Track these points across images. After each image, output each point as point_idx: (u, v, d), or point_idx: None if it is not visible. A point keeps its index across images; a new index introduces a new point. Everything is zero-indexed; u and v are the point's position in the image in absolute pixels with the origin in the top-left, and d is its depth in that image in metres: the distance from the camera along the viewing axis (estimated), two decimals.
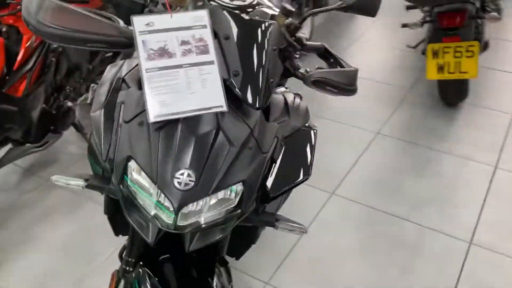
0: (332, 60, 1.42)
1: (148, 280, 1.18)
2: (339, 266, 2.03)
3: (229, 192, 1.04)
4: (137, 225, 1.06)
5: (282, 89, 1.41)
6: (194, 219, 1.02)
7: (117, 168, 1.05)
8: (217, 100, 1.04)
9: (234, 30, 1.13)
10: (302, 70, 1.28)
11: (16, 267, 2.04)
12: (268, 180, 1.12)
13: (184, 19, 1.06)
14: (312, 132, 1.29)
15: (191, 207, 1.00)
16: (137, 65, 1.19)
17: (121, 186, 1.05)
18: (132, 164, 1.03)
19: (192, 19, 1.07)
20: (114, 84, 1.19)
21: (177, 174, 0.98)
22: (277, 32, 1.19)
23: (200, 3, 1.31)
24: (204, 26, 1.07)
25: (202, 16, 1.07)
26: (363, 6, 1.30)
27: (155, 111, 1.01)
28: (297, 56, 1.30)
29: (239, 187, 1.04)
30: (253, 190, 1.06)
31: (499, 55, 3.67)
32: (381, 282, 1.95)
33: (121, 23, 1.09)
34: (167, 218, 1.00)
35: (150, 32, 1.04)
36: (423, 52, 2.78)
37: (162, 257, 1.23)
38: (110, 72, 1.26)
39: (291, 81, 1.37)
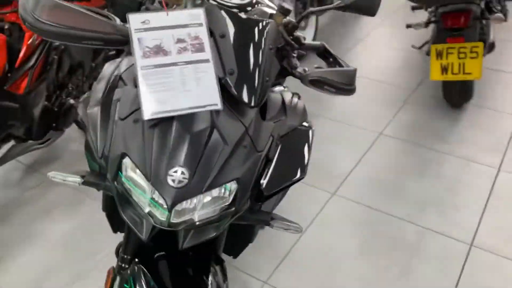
0: (331, 59, 1.42)
1: (143, 277, 1.18)
2: (338, 266, 2.02)
3: (223, 190, 1.04)
4: (131, 222, 1.07)
5: (280, 88, 1.41)
6: (187, 217, 1.02)
7: (112, 165, 1.05)
8: (212, 98, 1.04)
9: (230, 28, 1.13)
10: (299, 69, 1.27)
11: (17, 262, 2.06)
12: (263, 178, 1.12)
13: (180, 17, 1.06)
14: (309, 131, 1.28)
15: (185, 204, 1.01)
16: None
17: (115, 183, 1.06)
18: (126, 161, 1.04)
19: (188, 17, 1.07)
20: (111, 81, 1.20)
21: (171, 172, 0.98)
22: (273, 31, 1.19)
23: (198, 1, 1.31)
24: (200, 25, 1.07)
25: (198, 14, 1.07)
26: (362, 6, 1.30)
27: (150, 109, 1.01)
28: (295, 55, 1.29)
29: (233, 185, 1.04)
30: (247, 188, 1.06)
31: (504, 56, 3.65)
32: (380, 283, 1.95)
33: (118, 21, 1.10)
34: (161, 215, 1.00)
35: (146, 30, 1.04)
36: (428, 53, 2.77)
37: (157, 254, 1.23)
38: (108, 69, 1.27)
39: (292, 81, 1.36)
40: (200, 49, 1.06)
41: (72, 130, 2.69)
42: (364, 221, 2.24)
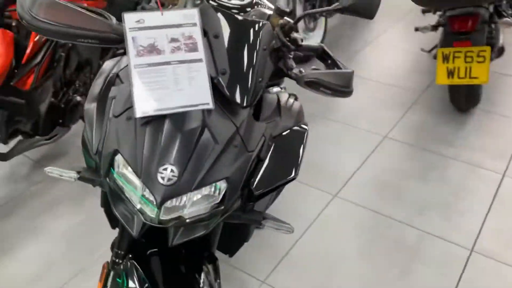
0: (329, 61, 1.42)
1: (135, 272, 1.20)
2: (337, 267, 2.02)
3: (212, 189, 1.05)
4: (123, 218, 1.08)
5: (277, 89, 1.42)
6: (177, 214, 1.04)
7: (104, 162, 1.07)
8: (203, 98, 1.06)
9: (225, 29, 1.14)
10: (295, 71, 1.28)
11: (20, 255, 2.09)
12: (254, 178, 1.13)
13: (175, 17, 1.08)
14: (303, 132, 1.29)
15: (175, 201, 1.02)
16: None
17: (107, 179, 1.08)
18: (118, 158, 1.05)
19: (182, 17, 1.08)
20: (108, 78, 1.22)
21: (161, 169, 1.00)
22: (269, 32, 1.20)
23: (198, 2, 1.33)
24: (194, 24, 1.08)
25: (193, 14, 1.08)
26: (360, 8, 1.29)
27: (142, 107, 1.03)
28: (291, 56, 1.30)
29: (222, 184, 1.05)
30: (237, 187, 1.07)
31: None
32: (379, 285, 1.94)
33: (114, 20, 1.12)
34: (151, 212, 1.02)
35: (140, 29, 1.06)
36: (435, 57, 2.75)
37: (150, 250, 1.25)
38: (107, 66, 1.29)
39: (293, 82, 1.37)
40: (194, 48, 1.07)
41: (78, 127, 2.73)
42: (365, 224, 2.24)
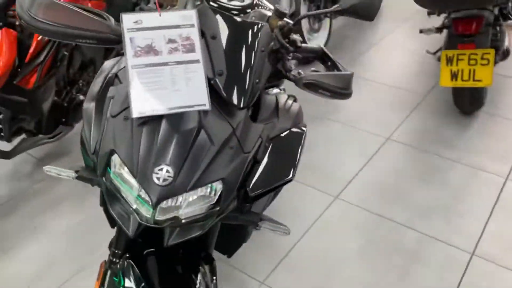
0: (329, 63, 1.42)
1: (132, 272, 1.21)
2: (337, 269, 2.02)
3: (208, 190, 1.05)
4: (119, 217, 1.09)
5: (276, 90, 1.42)
6: (173, 214, 1.04)
7: (100, 161, 1.08)
8: (200, 99, 1.06)
9: (223, 30, 1.14)
10: (294, 72, 1.28)
11: (21, 254, 2.11)
12: (249, 179, 1.13)
13: (173, 18, 1.08)
14: (301, 134, 1.29)
15: (170, 202, 1.02)
16: None
17: (104, 179, 1.08)
18: (115, 158, 1.06)
19: (180, 18, 1.09)
20: (107, 78, 1.23)
21: (157, 170, 1.00)
22: (267, 34, 1.20)
23: (198, 3, 1.33)
24: (192, 26, 1.09)
25: (190, 15, 1.09)
26: (360, 10, 1.29)
27: (139, 107, 1.04)
28: (290, 57, 1.30)
29: (218, 185, 1.06)
30: (233, 188, 1.08)
31: None
32: (378, 287, 1.94)
33: (112, 20, 1.12)
34: (146, 212, 1.02)
35: (138, 29, 1.06)
36: (439, 59, 2.74)
37: (147, 250, 1.26)
38: (106, 66, 1.30)
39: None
40: (191, 49, 1.08)
41: (82, 125, 2.74)
42: (366, 226, 2.23)
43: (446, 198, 2.38)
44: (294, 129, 1.28)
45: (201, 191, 1.04)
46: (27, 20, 1.04)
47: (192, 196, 1.04)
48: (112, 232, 1.44)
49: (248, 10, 1.45)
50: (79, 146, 1.28)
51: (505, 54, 2.92)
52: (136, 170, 1.01)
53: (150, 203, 1.00)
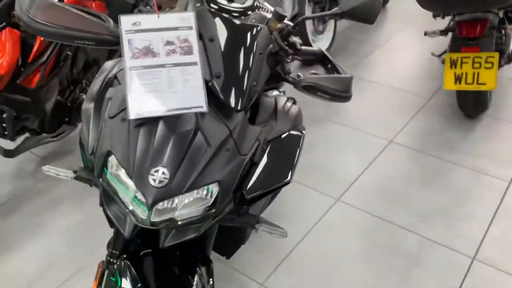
0: (329, 66, 1.42)
1: (128, 273, 1.21)
2: (337, 272, 2.01)
3: (204, 192, 1.06)
4: (115, 218, 1.09)
5: (275, 92, 1.42)
6: (169, 216, 1.04)
7: (97, 162, 1.08)
8: (197, 101, 1.06)
9: (221, 33, 1.15)
10: (293, 75, 1.28)
11: (22, 253, 2.12)
12: (246, 182, 1.13)
13: (171, 20, 1.09)
14: (299, 137, 1.29)
15: (166, 203, 1.03)
16: None
17: (101, 180, 1.09)
18: (112, 159, 1.06)
19: (178, 20, 1.09)
20: (106, 79, 1.23)
21: (153, 171, 1.01)
22: (265, 36, 1.20)
23: (198, 5, 1.34)
24: (190, 28, 1.09)
25: (188, 17, 1.09)
26: (360, 13, 1.29)
27: (136, 109, 1.04)
28: (289, 60, 1.30)
29: (214, 187, 1.06)
30: (229, 190, 1.08)
31: None
32: None
33: (111, 22, 1.13)
34: (142, 213, 1.03)
35: (136, 31, 1.07)
36: (443, 62, 2.73)
37: (144, 251, 1.26)
38: (106, 66, 1.31)
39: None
40: (189, 51, 1.08)
41: None
42: (367, 229, 2.23)
43: (449, 201, 2.37)
44: (292, 132, 1.28)
45: (197, 193, 1.05)
46: (26, 21, 1.05)
47: (188, 198, 1.04)
48: (111, 232, 1.45)
49: (249, 12, 1.44)
50: None
51: (510, 58, 2.90)
52: (132, 171, 1.02)
53: (146, 205, 1.00)
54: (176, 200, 1.03)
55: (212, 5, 1.39)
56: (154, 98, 1.05)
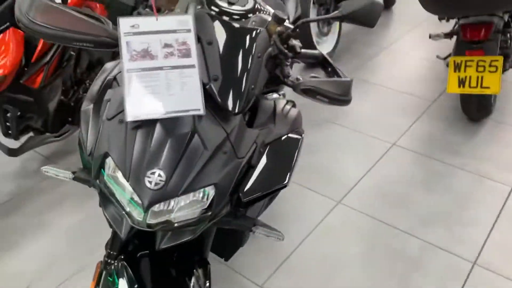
0: (329, 69, 1.42)
1: (125, 273, 1.22)
2: (337, 275, 2.01)
3: (200, 194, 1.06)
4: (112, 219, 1.10)
5: (275, 95, 1.42)
6: (164, 218, 1.04)
7: (95, 163, 1.09)
8: (195, 103, 1.07)
9: (220, 36, 1.15)
10: (292, 78, 1.28)
11: (23, 252, 2.13)
12: (243, 185, 1.13)
13: (169, 23, 1.09)
14: (298, 140, 1.29)
15: (162, 206, 1.03)
16: None
17: (98, 181, 1.09)
18: (109, 161, 1.07)
19: (177, 23, 1.09)
20: (106, 81, 1.24)
21: (149, 173, 1.01)
22: (264, 40, 1.20)
23: (199, 7, 1.34)
24: (188, 31, 1.09)
25: (187, 20, 1.10)
26: (360, 16, 1.29)
27: (133, 111, 1.04)
28: (288, 63, 1.30)
29: (210, 190, 1.06)
30: (225, 193, 1.08)
31: None
32: None
33: (110, 24, 1.13)
34: (138, 215, 1.03)
35: (135, 33, 1.07)
36: (447, 65, 2.72)
37: (141, 252, 1.26)
38: (106, 68, 1.31)
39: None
40: (187, 54, 1.08)
41: None
42: (367, 232, 2.22)
43: (450, 205, 2.36)
44: (290, 135, 1.28)
45: (193, 196, 1.05)
46: (25, 23, 1.06)
47: (184, 200, 1.04)
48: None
49: (249, 15, 1.45)
50: None
51: None
52: (129, 173, 1.02)
53: (142, 207, 1.01)
54: (172, 202, 1.03)
55: (213, 7, 1.39)
56: (152, 100, 1.05)
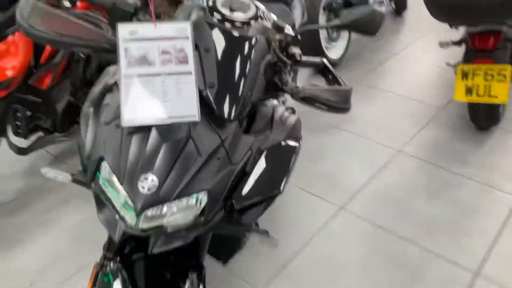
0: (330, 77, 1.43)
1: (120, 276, 1.24)
2: (338, 281, 2.01)
3: (194, 200, 1.07)
4: (106, 222, 1.12)
5: (274, 102, 1.43)
6: (157, 223, 1.06)
7: (91, 167, 1.11)
8: (190, 110, 1.08)
9: (217, 43, 1.16)
10: (291, 86, 1.29)
11: (27, 250, 2.17)
12: (237, 191, 1.14)
13: (168, 30, 1.11)
14: (294, 147, 1.29)
15: (155, 210, 1.04)
16: None
17: (93, 184, 1.11)
18: (104, 165, 1.09)
19: (175, 30, 1.11)
20: (106, 85, 1.26)
21: (142, 178, 1.03)
22: (262, 47, 1.21)
23: (201, 13, 1.35)
24: (186, 38, 1.11)
25: (185, 28, 1.11)
26: (361, 25, 1.30)
27: (129, 116, 1.06)
28: (287, 71, 1.31)
29: (203, 196, 1.07)
30: (218, 199, 1.09)
31: None
32: None
33: (109, 30, 1.16)
34: (131, 219, 1.05)
35: (133, 40, 1.09)
36: (456, 73, 2.70)
37: (136, 255, 1.28)
38: (108, 72, 1.33)
39: None
40: (184, 61, 1.10)
41: None
42: (369, 239, 2.21)
43: (455, 214, 2.34)
44: (287, 142, 1.28)
45: (185, 201, 1.06)
46: (26, 28, 1.09)
47: (177, 205, 1.06)
48: None
49: (251, 22, 1.46)
50: None
51: None
52: (123, 178, 1.04)
53: (135, 210, 1.02)
54: (165, 207, 1.05)
55: (215, 14, 1.40)
56: (148, 106, 1.07)
